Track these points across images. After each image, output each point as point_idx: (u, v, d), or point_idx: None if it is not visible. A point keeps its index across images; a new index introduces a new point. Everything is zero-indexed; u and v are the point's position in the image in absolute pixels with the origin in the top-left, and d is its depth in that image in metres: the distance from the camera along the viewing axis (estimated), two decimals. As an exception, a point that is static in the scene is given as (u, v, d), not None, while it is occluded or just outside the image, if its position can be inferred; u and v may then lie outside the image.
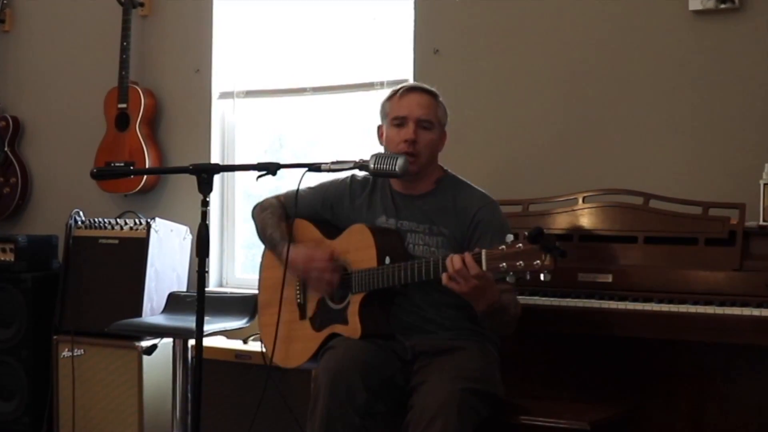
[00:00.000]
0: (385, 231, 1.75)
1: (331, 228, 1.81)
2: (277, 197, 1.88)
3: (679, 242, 1.83)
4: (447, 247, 1.72)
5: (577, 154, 2.19)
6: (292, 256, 1.75)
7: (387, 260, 1.67)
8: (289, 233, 1.78)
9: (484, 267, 1.51)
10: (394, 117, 1.76)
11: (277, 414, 2.02)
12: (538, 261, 1.46)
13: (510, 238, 1.50)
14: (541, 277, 1.47)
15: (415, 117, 1.73)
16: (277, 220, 1.84)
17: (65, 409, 2.51)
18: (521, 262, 1.47)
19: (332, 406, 1.58)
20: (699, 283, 1.76)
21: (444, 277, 1.55)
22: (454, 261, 1.53)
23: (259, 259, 1.94)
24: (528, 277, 1.48)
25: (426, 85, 1.82)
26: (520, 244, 1.48)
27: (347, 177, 1.84)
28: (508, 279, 1.51)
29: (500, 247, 1.50)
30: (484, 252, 1.52)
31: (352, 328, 1.69)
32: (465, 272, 1.53)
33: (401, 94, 1.77)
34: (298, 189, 1.79)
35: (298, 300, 1.80)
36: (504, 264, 1.49)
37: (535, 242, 1.46)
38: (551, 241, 1.46)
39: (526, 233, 1.47)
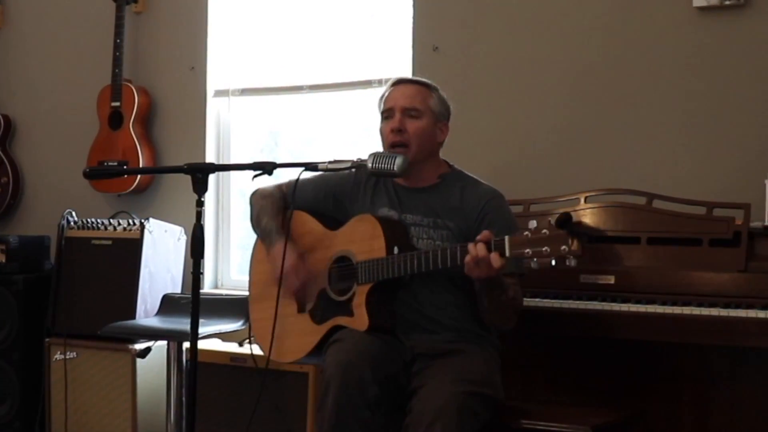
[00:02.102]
0: (392, 221, 1.72)
1: (332, 219, 1.78)
2: (279, 186, 1.85)
3: (683, 243, 1.81)
4: (452, 240, 1.69)
5: (579, 153, 2.17)
6: (279, 257, 1.71)
7: (396, 250, 1.64)
8: (287, 227, 1.75)
9: (507, 253, 1.49)
10: (382, 111, 1.76)
11: (273, 418, 2.00)
12: (565, 246, 1.43)
13: (533, 224, 1.47)
14: (567, 262, 1.44)
15: (400, 106, 1.72)
16: (276, 211, 1.81)
17: (58, 413, 2.48)
18: (547, 247, 1.44)
19: (342, 399, 1.55)
20: (703, 285, 1.74)
21: (468, 257, 1.51)
22: (478, 248, 1.50)
23: (254, 259, 1.91)
24: (554, 262, 1.44)
25: (417, 77, 1.81)
26: (545, 230, 1.45)
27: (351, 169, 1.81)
28: (532, 265, 1.48)
29: (524, 233, 1.47)
30: (507, 238, 1.49)
31: (359, 320, 1.65)
32: (488, 260, 1.50)
33: (389, 87, 1.77)
34: (296, 186, 1.76)
35: (285, 288, 1.75)
36: (529, 250, 1.46)
37: (563, 227, 1.43)
38: (579, 226, 1.43)
39: (551, 219, 1.44)
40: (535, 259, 1.46)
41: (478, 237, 1.52)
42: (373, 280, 1.65)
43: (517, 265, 1.60)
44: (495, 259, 1.48)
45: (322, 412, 1.58)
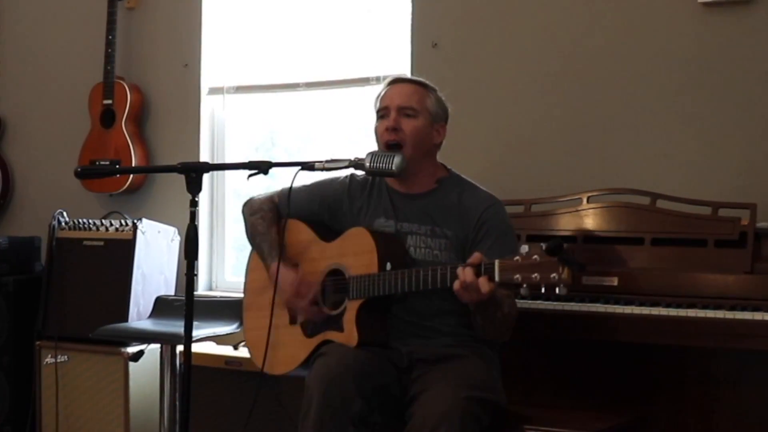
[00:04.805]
0: (387, 236, 1.69)
1: (327, 229, 1.76)
2: (271, 197, 1.82)
3: (688, 244, 1.78)
4: (450, 250, 1.67)
5: (582, 152, 2.13)
6: (279, 279, 1.69)
7: (388, 266, 1.61)
8: (280, 244, 1.71)
9: (497, 278, 1.47)
10: (378, 110, 1.73)
11: (269, 422, 1.97)
12: (555, 274, 1.41)
13: (525, 248, 1.45)
14: (557, 290, 1.43)
15: (396, 105, 1.69)
16: (268, 226, 1.78)
17: (49, 418, 2.45)
18: (537, 274, 1.43)
19: (325, 415, 1.52)
20: (708, 287, 1.72)
21: (456, 284, 1.50)
22: (466, 273, 1.48)
23: (250, 262, 1.88)
24: (543, 290, 1.44)
25: (414, 77, 1.80)
26: (536, 256, 1.43)
27: (346, 177, 1.78)
28: (521, 291, 1.46)
29: (515, 258, 1.45)
30: (497, 263, 1.47)
31: (348, 335, 1.63)
32: (476, 285, 1.48)
33: (385, 86, 1.74)
34: (290, 190, 1.72)
35: (295, 309, 1.73)
36: (518, 276, 1.45)
37: (553, 254, 1.41)
38: (570, 254, 1.42)
39: (543, 245, 1.43)
40: (524, 285, 1.44)
41: (468, 260, 1.50)
42: (364, 295, 1.62)
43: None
44: (483, 284, 1.47)
45: (303, 427, 1.55)
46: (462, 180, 1.74)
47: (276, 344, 1.72)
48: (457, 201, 1.69)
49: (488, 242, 1.63)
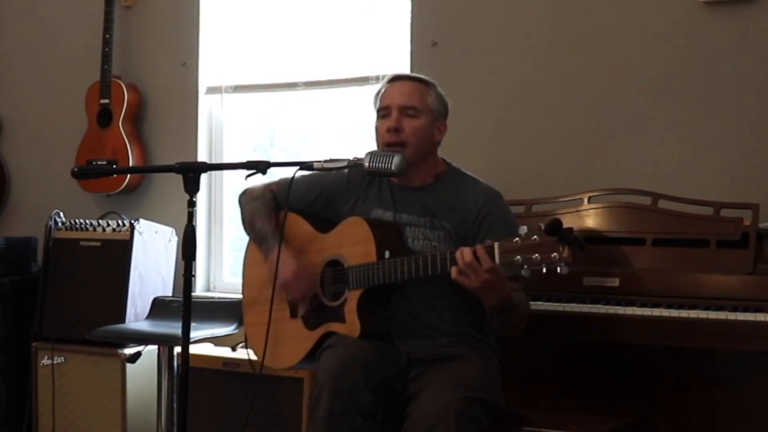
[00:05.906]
0: (384, 224, 1.68)
1: (324, 220, 1.75)
2: (269, 187, 1.81)
3: (690, 244, 1.78)
4: (448, 242, 1.66)
5: (582, 152, 2.12)
6: (280, 265, 1.68)
7: (387, 254, 1.60)
8: (281, 229, 1.70)
9: (497, 260, 1.46)
10: (378, 109, 1.72)
11: (267, 424, 1.95)
12: (556, 253, 1.39)
13: (524, 229, 1.43)
14: (558, 269, 1.41)
15: (397, 104, 1.68)
16: (269, 212, 1.77)
17: (45, 420, 2.44)
18: (537, 254, 1.41)
19: (335, 407, 1.51)
20: (710, 288, 1.71)
21: (454, 270, 1.49)
22: (464, 254, 1.47)
23: (247, 261, 1.86)
24: (544, 270, 1.41)
25: (415, 74, 1.78)
26: (536, 236, 1.41)
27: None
28: (522, 273, 1.44)
29: (514, 239, 1.44)
30: (497, 244, 1.46)
31: (350, 326, 1.62)
32: (476, 266, 1.46)
33: (386, 84, 1.73)
34: (290, 185, 1.71)
35: (289, 297, 1.72)
36: (519, 257, 1.43)
37: (553, 234, 1.39)
38: (569, 232, 1.40)
39: (542, 225, 1.41)
40: (525, 266, 1.42)
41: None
42: (364, 285, 1.61)
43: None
44: (484, 259, 1.45)
45: (314, 420, 1.54)
46: (462, 174, 1.74)
47: (278, 339, 1.70)
48: (455, 194, 1.68)
49: (494, 236, 1.59)
